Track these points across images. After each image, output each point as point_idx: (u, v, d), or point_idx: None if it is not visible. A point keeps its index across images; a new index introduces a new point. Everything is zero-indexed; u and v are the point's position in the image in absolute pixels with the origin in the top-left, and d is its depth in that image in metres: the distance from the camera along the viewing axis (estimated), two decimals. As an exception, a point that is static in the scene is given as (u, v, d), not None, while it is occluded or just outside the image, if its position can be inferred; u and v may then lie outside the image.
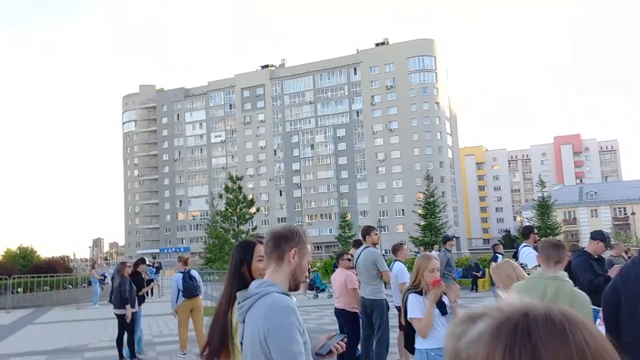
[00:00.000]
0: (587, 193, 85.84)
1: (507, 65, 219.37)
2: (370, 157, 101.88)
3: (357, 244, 8.28)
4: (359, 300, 6.80)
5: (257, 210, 17.91)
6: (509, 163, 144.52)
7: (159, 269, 23.15)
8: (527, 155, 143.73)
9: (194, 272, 9.27)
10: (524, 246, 7.64)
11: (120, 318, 8.94)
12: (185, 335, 9.39)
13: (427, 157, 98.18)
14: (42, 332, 13.11)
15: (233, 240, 16.33)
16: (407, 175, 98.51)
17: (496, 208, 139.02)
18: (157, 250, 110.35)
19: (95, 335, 12.31)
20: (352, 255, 7.12)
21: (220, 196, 17.96)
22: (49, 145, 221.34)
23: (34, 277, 19.51)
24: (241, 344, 2.26)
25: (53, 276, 20.17)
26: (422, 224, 30.94)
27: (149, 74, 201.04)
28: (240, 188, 16.87)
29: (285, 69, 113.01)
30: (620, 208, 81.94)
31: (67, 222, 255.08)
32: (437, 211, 30.28)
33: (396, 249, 7.79)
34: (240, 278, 2.69)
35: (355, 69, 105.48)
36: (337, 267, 7.46)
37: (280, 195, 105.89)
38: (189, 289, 9.15)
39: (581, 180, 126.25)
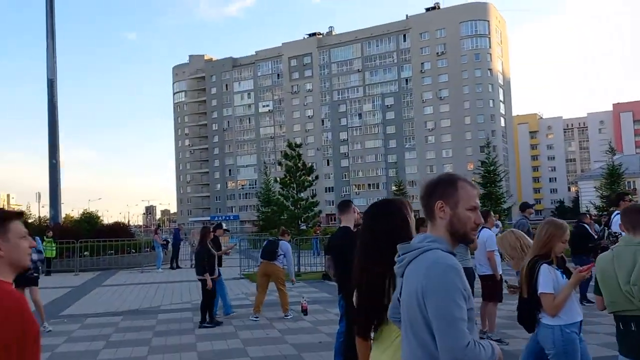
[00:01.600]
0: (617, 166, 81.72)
1: (565, 30, 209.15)
2: (420, 126, 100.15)
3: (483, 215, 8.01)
4: None
5: (317, 177, 17.71)
6: (565, 132, 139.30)
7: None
8: (584, 123, 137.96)
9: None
10: (618, 214, 7.13)
11: (203, 284, 9.01)
12: (262, 299, 9.58)
13: (479, 126, 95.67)
14: (112, 294, 13.50)
15: (292, 208, 16.28)
16: (458, 145, 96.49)
17: (550, 178, 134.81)
18: (208, 218, 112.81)
19: (165, 298, 12.58)
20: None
21: (279, 163, 17.86)
22: (103, 115, 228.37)
23: (99, 241, 20.16)
24: (398, 300, 2.08)
25: (117, 241, 20.81)
26: (482, 192, 30.11)
27: (198, 44, 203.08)
28: (299, 155, 16.68)
29: (332, 36, 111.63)
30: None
31: (120, 190, 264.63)
32: (497, 179, 29.33)
33: (484, 215, 7.42)
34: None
35: (404, 35, 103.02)
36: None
37: (328, 164, 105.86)
38: (269, 252, 9.52)
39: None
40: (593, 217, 15.91)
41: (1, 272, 1.77)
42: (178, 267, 20.76)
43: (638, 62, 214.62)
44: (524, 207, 9.25)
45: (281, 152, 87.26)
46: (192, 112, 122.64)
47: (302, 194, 16.63)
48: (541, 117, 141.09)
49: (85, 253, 20.02)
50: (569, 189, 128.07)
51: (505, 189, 29.40)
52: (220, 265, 9.91)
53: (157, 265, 19.84)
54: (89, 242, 20.03)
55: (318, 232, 21.57)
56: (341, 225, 5.06)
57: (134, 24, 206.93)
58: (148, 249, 21.71)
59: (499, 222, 20.73)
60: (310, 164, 17.74)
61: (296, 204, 16.28)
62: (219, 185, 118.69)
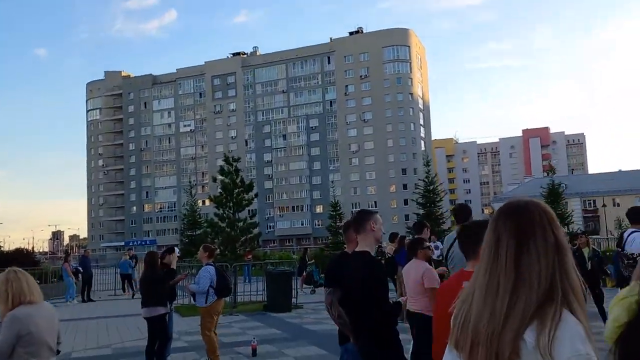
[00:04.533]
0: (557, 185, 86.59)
1: (479, 56, 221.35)
2: (344, 148, 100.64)
3: (418, 227, 6.65)
4: None
5: (256, 195, 16.09)
6: (479, 156, 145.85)
7: (136, 262, 21.05)
8: (497, 147, 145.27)
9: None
10: (634, 231, 6.16)
11: (154, 321, 7.04)
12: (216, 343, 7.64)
13: (401, 149, 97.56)
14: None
15: (228, 230, 14.52)
16: (381, 167, 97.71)
17: (465, 200, 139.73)
18: (122, 243, 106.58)
19: (78, 340, 10.35)
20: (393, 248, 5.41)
21: (214, 179, 16.07)
22: (7, 127, 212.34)
23: (-5, 271, 17.24)
24: None
25: (18, 270, 17.94)
26: (421, 213, 29.54)
27: (115, 61, 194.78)
28: (237, 170, 15.01)
29: (257, 56, 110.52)
30: (589, 200, 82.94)
31: (25, 213, 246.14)
32: (437, 199, 28.92)
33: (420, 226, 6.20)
34: None
35: (329, 57, 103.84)
36: (399, 256, 5.73)
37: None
38: (226, 287, 7.47)
39: (548, 173, 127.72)
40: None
41: None
42: (90, 299, 18.22)
43: (546, 88, 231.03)
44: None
45: (202, 173, 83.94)
46: (107, 131, 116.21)
47: (239, 214, 14.94)
48: (457, 142, 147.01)
49: (-22, 285, 17.00)
50: (483, 211, 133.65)
51: (446, 210, 29.10)
52: (173, 298, 7.99)
53: (67, 297, 17.24)
54: (-18, 272, 17.04)
55: (250, 256, 19.79)
56: (356, 250, 3.60)
57: (43, 39, 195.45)
58: (55, 279, 18.93)
59: (439, 244, 20.01)
60: (250, 180, 16.09)
61: (232, 225, 14.52)
62: (134, 208, 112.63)
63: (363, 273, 3.35)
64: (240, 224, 14.73)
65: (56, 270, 19.74)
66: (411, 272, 5.58)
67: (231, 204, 14.55)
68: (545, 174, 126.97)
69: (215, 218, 14.97)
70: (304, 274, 18.21)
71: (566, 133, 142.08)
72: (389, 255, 15.39)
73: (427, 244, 5.68)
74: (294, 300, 13.66)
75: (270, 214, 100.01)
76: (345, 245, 4.85)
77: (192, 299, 10.41)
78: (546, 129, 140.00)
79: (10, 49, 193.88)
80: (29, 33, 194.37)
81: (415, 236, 6.43)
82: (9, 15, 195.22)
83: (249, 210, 15.34)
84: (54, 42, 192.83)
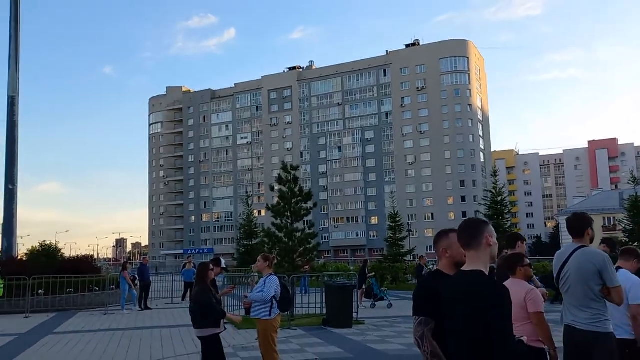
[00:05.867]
0: (624, 199, 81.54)
1: (539, 67, 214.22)
2: (400, 159, 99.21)
3: (511, 239, 5.70)
4: (547, 331, 4.22)
5: (315, 205, 15.50)
6: (541, 168, 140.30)
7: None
8: (560, 159, 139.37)
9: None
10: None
11: (208, 342, 6.27)
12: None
13: (459, 161, 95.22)
14: (65, 345, 10.88)
15: (286, 240, 13.96)
16: (438, 179, 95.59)
17: (527, 214, 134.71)
18: (181, 251, 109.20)
19: (131, 353, 10.01)
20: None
21: (272, 188, 15.58)
22: (75, 142, 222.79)
23: (56, 277, 17.42)
24: None
25: (78, 277, 18.08)
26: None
27: (176, 76, 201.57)
28: (296, 179, 14.46)
29: (312, 70, 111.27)
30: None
31: (91, 221, 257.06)
32: (505, 211, 27.41)
33: (625, 251, 5.10)
34: None
35: (385, 70, 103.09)
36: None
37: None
38: (289, 300, 6.78)
39: (617, 186, 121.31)
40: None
41: None
42: (147, 307, 18.13)
43: (613, 100, 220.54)
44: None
45: (258, 184, 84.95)
46: (168, 144, 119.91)
47: (297, 224, 14.37)
48: (518, 153, 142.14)
49: (40, 291, 17.24)
50: (546, 225, 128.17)
51: (515, 222, 27.57)
52: (224, 315, 7.20)
53: (122, 306, 17.18)
54: (43, 278, 17.26)
55: (307, 267, 19.15)
56: (465, 270, 2.70)
57: (110, 58, 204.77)
58: (114, 287, 18.98)
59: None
60: (308, 189, 15.50)
61: (290, 236, 13.95)
62: (193, 218, 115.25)
63: (477, 300, 2.49)
64: (298, 234, 14.15)
65: (115, 277, 19.84)
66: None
67: (289, 214, 13.99)
68: (614, 186, 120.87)
69: (273, 228, 14.45)
70: (364, 287, 17.42)
71: (636, 144, 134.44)
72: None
73: (528, 260, 4.77)
74: (354, 315, 12.91)
75: (325, 225, 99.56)
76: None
77: (245, 311, 9.80)
78: (614, 139, 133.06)
79: (80, 67, 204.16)
80: (97, 52, 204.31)
81: (509, 251, 5.43)
82: (78, 35, 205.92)
83: (305, 221, 14.75)
84: (119, 61, 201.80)
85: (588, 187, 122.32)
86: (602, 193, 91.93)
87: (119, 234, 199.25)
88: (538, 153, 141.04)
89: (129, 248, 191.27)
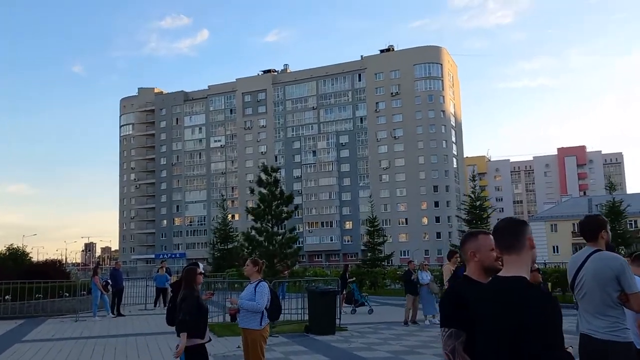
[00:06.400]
0: (596, 205, 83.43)
1: (510, 74, 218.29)
2: (374, 164, 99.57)
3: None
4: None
5: (296, 208, 15.17)
6: (512, 174, 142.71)
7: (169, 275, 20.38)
8: (530, 166, 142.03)
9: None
10: None
11: (194, 353, 5.76)
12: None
13: (432, 166, 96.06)
14: (34, 354, 10.31)
15: (266, 244, 13.60)
16: (411, 184, 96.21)
17: (497, 219, 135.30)
18: (152, 256, 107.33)
19: (104, 361, 9.53)
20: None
21: (252, 191, 15.19)
22: (43, 142, 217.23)
23: (24, 282, 16.68)
24: None
25: (47, 282, 17.36)
26: (466, 230, 28.20)
27: (148, 77, 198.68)
28: (276, 181, 14.12)
29: (287, 74, 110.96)
30: (631, 221, 79.74)
31: (58, 226, 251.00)
32: (484, 215, 27.50)
33: (637, 257, 4.87)
34: None
35: (359, 75, 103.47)
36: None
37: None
38: (278, 308, 6.42)
39: (585, 193, 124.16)
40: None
41: None
42: (120, 314, 17.52)
43: (582, 108, 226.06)
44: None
45: (232, 187, 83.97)
46: (140, 146, 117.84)
47: (276, 228, 14.01)
48: (489, 159, 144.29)
49: (7, 297, 16.48)
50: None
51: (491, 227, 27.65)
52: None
53: (93, 312, 16.55)
54: (10, 283, 16.50)
55: (286, 272, 18.79)
56: (504, 276, 2.36)
57: (79, 57, 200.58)
58: (85, 292, 18.29)
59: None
60: (290, 192, 15.18)
61: (271, 239, 13.59)
62: (165, 222, 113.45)
63: (522, 314, 2.15)
64: (279, 238, 13.80)
65: (86, 283, 19.14)
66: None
67: (269, 217, 13.63)
68: (582, 193, 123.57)
69: (253, 231, 14.06)
70: (344, 292, 17.17)
71: (603, 152, 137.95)
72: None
73: (536, 265, 4.58)
74: (337, 321, 12.62)
75: (299, 229, 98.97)
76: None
77: (229, 318, 9.42)
78: (582, 147, 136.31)
79: (47, 65, 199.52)
80: (65, 50, 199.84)
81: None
82: (46, 32, 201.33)
83: (283, 226, 14.41)
84: (89, 60, 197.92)
85: (557, 193, 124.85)
86: (571, 199, 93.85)
87: (88, 237, 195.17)
88: (509, 159, 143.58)
89: (98, 252, 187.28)
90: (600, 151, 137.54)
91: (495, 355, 2.24)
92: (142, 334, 12.92)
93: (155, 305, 20.35)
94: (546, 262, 28.40)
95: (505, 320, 2.22)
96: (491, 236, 2.75)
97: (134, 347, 10.94)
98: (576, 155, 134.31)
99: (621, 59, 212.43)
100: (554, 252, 68.39)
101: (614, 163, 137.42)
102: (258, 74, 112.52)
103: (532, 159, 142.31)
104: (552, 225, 74.26)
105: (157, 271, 21.77)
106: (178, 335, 5.99)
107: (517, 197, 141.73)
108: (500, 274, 2.45)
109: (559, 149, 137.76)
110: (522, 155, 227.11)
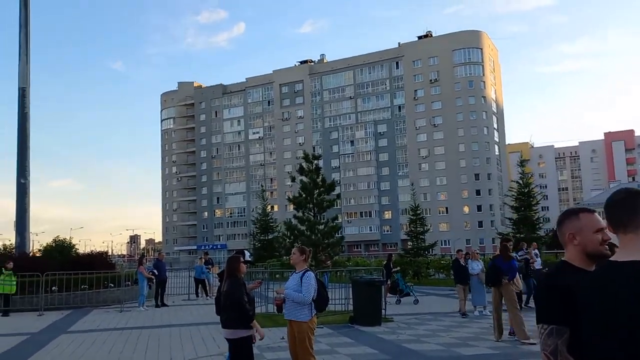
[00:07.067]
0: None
1: (551, 58, 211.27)
2: (413, 153, 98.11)
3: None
4: None
5: (338, 196, 14.80)
6: (556, 160, 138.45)
7: (212, 266, 20.40)
8: (576, 152, 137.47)
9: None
10: None
11: (237, 345, 5.56)
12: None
13: (473, 154, 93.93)
14: (79, 345, 10.30)
15: (308, 233, 13.28)
16: (452, 172, 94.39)
17: (542, 207, 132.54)
18: (195, 247, 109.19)
19: (150, 354, 9.40)
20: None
21: (293, 179, 14.87)
22: (88, 139, 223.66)
23: (70, 274, 16.92)
24: None
25: (93, 273, 17.57)
26: (515, 217, 27.27)
27: (186, 71, 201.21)
28: (318, 169, 13.74)
29: (324, 64, 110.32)
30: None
31: (104, 219, 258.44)
32: (533, 202, 26.54)
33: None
34: None
35: (397, 62, 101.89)
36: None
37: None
38: (325, 299, 6.06)
39: (634, 179, 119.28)
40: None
41: None
42: (164, 304, 17.58)
43: (629, 91, 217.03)
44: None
45: (270, 179, 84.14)
46: (180, 139, 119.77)
47: (319, 217, 13.66)
48: (532, 146, 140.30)
49: (54, 288, 16.75)
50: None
51: (543, 213, 26.68)
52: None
53: (140, 302, 16.64)
54: (57, 275, 16.75)
55: (329, 262, 18.44)
56: (625, 260, 1.83)
57: (119, 53, 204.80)
58: (129, 283, 18.45)
59: (537, 251, 17.92)
60: (332, 180, 14.79)
61: (313, 228, 13.25)
62: (206, 214, 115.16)
63: None
64: (321, 227, 13.44)
65: (130, 273, 19.31)
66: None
67: (311, 205, 13.26)
68: (631, 178, 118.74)
69: (295, 220, 13.74)
70: (388, 282, 16.72)
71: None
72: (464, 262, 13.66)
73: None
74: (382, 312, 12.21)
75: (338, 220, 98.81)
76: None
77: (274, 309, 9.13)
78: (631, 131, 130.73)
79: (88, 63, 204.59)
80: (106, 48, 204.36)
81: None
82: (86, 30, 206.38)
83: (322, 216, 14.03)
84: (129, 56, 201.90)
85: (605, 179, 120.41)
86: (621, 185, 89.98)
87: (133, 230, 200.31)
88: (553, 145, 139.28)
89: (142, 244, 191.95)
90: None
91: (617, 356, 1.78)
92: (186, 324, 12.84)
93: (197, 296, 20.43)
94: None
95: (632, 315, 1.74)
96: (596, 215, 2.26)
97: (178, 337, 10.82)
98: (624, 140, 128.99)
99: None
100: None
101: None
102: (295, 65, 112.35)
103: (577, 144, 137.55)
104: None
105: (197, 262, 21.88)
106: (223, 327, 5.73)
107: (562, 184, 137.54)
108: (616, 257, 1.96)
109: (605, 134, 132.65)
110: (567, 140, 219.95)
